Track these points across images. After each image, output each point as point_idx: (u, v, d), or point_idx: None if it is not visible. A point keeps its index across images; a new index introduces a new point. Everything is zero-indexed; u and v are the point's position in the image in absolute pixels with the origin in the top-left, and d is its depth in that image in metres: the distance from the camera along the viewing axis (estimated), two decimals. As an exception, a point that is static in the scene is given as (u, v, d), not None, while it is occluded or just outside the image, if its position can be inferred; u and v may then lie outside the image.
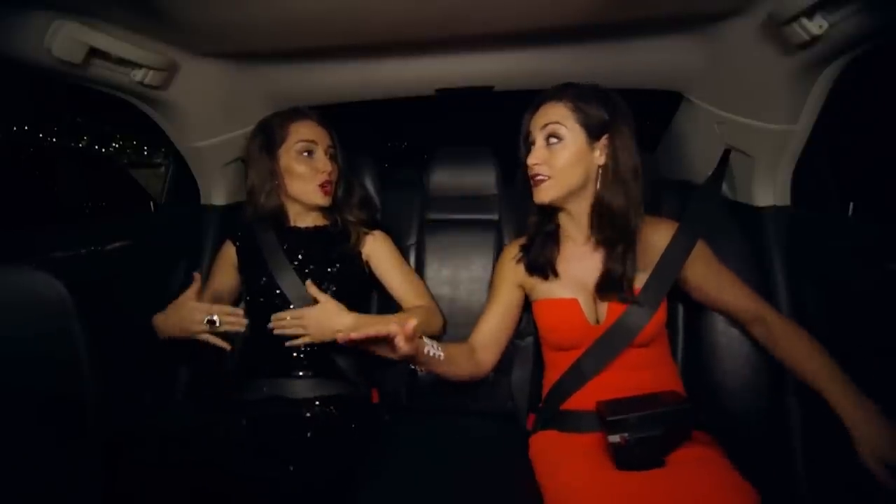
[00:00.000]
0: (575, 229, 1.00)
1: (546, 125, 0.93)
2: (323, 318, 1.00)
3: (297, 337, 1.02)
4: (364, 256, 1.18)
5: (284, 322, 1.02)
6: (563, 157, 0.92)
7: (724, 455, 0.84)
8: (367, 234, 1.18)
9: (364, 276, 1.18)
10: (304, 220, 1.19)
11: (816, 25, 0.77)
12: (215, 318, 0.97)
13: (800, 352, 0.87)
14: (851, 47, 0.82)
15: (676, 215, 1.14)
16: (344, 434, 1.00)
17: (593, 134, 0.93)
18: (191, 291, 0.99)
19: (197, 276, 1.01)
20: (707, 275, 0.97)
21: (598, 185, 0.94)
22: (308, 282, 1.05)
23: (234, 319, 0.99)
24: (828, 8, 0.75)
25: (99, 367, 0.59)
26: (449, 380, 0.98)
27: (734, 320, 0.99)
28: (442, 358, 0.89)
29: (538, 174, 0.94)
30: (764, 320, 0.93)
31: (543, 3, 0.89)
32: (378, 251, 1.18)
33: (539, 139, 0.94)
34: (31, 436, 0.55)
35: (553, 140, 0.93)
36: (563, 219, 1.01)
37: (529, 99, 1.01)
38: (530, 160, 0.94)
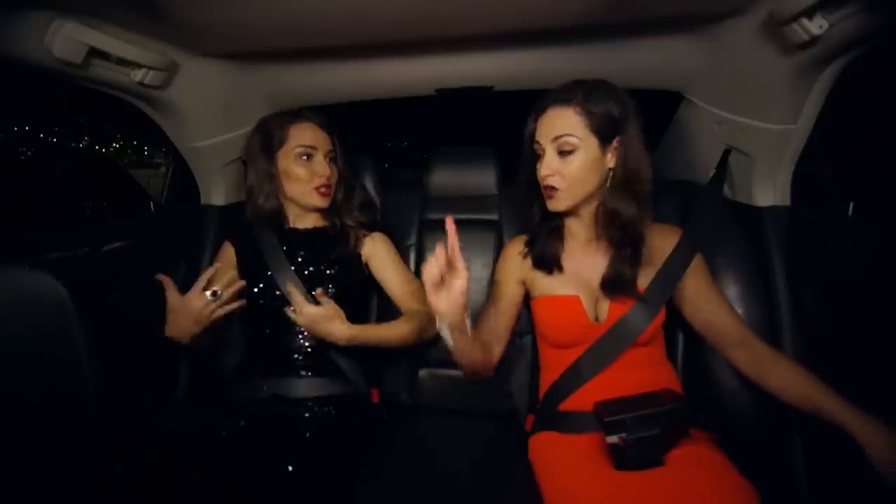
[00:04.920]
0: (579, 228, 1.00)
1: (557, 137, 0.89)
2: (318, 319, 0.99)
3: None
4: (364, 258, 1.18)
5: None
6: (575, 167, 0.89)
7: (724, 455, 0.84)
8: (366, 235, 1.19)
9: (364, 278, 1.18)
10: (303, 221, 1.19)
11: (816, 25, 0.77)
12: (217, 289, 0.99)
13: (790, 375, 0.85)
14: (851, 47, 0.82)
15: (676, 215, 1.14)
16: (344, 434, 1.00)
17: (605, 138, 0.89)
18: (171, 291, 0.99)
19: (165, 277, 1.01)
20: (702, 288, 0.96)
21: (608, 190, 0.92)
22: (319, 290, 1.02)
23: (232, 289, 1.01)
24: (828, 8, 0.75)
25: (99, 367, 0.59)
26: (461, 369, 0.95)
27: (716, 344, 0.96)
28: (469, 329, 0.86)
29: (551, 185, 0.91)
30: (748, 345, 0.91)
31: (543, 3, 0.89)
32: (377, 253, 1.18)
33: (549, 149, 0.91)
34: (30, 436, 0.55)
35: (565, 151, 0.89)
36: (567, 219, 1.00)
37: (529, 99, 1.01)
38: (542, 171, 0.91)
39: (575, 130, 0.88)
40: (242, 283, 1.03)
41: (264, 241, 1.14)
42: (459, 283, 0.77)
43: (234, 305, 1.03)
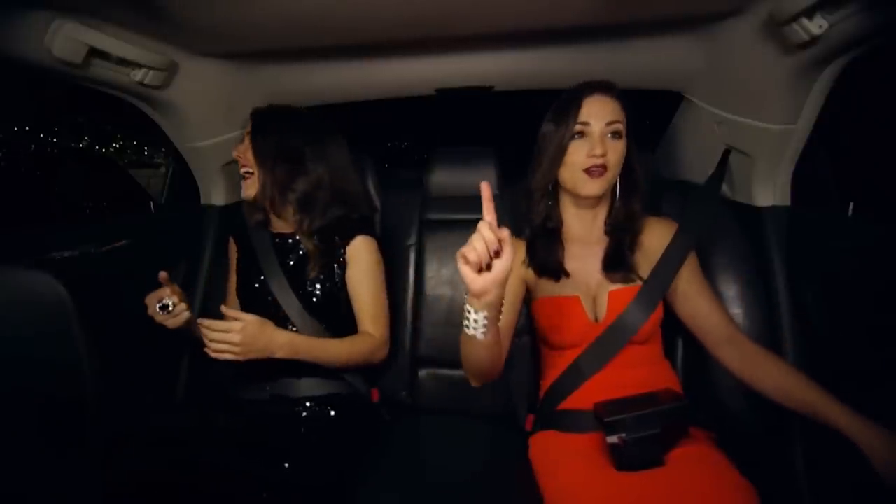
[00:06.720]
0: (581, 227, 1.00)
1: (612, 121, 0.92)
2: (252, 330, 0.93)
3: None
4: (346, 262, 1.11)
5: (214, 335, 0.92)
6: (619, 153, 0.93)
7: (724, 454, 0.84)
8: (349, 239, 1.10)
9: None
10: (277, 223, 1.15)
11: (816, 25, 0.77)
12: (168, 302, 0.93)
13: (782, 376, 0.85)
14: (851, 47, 0.82)
15: (676, 215, 1.14)
16: (344, 434, 1.00)
17: (630, 134, 0.96)
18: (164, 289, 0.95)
19: (163, 274, 0.95)
20: (692, 284, 0.96)
21: (620, 184, 0.97)
22: (222, 307, 0.96)
23: (183, 306, 0.95)
24: (828, 8, 0.75)
25: (99, 367, 0.59)
26: (474, 375, 0.90)
27: (706, 342, 0.96)
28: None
29: (600, 165, 0.91)
30: (736, 344, 0.91)
31: (543, 3, 0.89)
32: (354, 257, 1.10)
33: (599, 130, 0.92)
34: (30, 436, 0.55)
35: (616, 133, 0.93)
36: (571, 217, 1.01)
37: (529, 99, 1.01)
38: (595, 150, 0.91)
39: (622, 119, 0.94)
40: (186, 306, 0.96)
41: (258, 242, 1.13)
42: (503, 263, 0.68)
43: (182, 320, 0.96)
